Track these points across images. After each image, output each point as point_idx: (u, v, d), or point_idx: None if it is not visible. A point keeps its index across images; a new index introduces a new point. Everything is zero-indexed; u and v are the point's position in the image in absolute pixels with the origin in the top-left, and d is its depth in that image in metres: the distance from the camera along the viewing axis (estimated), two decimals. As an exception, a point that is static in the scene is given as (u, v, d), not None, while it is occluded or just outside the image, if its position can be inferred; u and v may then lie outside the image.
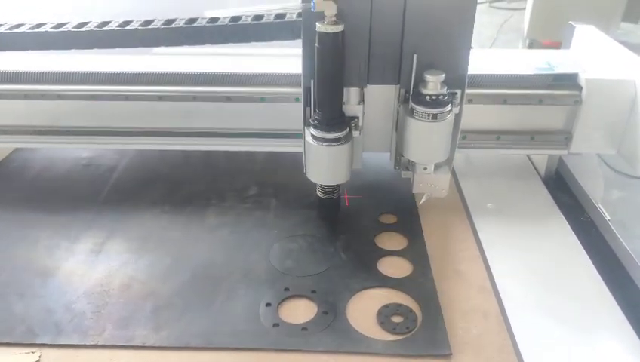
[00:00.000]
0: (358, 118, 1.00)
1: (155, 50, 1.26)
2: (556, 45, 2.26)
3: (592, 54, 1.19)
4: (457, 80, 0.96)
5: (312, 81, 0.95)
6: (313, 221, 1.11)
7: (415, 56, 0.93)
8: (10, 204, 1.17)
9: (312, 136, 0.97)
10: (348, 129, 0.98)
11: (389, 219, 1.11)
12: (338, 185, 1.08)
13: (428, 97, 0.93)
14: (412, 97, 0.95)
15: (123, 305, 0.90)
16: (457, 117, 0.98)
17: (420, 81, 0.94)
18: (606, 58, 1.16)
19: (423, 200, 1.07)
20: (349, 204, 1.15)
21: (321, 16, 0.88)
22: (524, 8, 2.93)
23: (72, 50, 1.13)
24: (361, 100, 1.00)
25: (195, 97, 1.14)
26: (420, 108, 0.93)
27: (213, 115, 1.16)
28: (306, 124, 0.99)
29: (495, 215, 1.11)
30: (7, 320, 0.87)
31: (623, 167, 1.29)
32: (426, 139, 0.97)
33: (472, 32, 0.93)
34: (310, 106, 0.98)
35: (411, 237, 1.06)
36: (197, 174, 1.27)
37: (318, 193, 1.09)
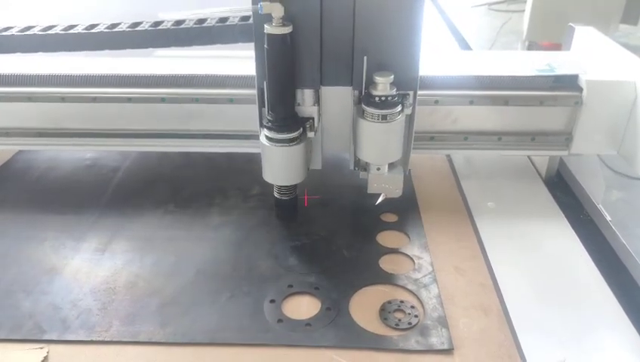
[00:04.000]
0: (313, 118, 1.01)
1: (158, 52, 1.27)
2: (555, 47, 2.28)
3: (593, 56, 1.19)
4: (409, 81, 0.97)
5: (264, 83, 0.96)
6: (316, 219, 1.12)
7: (365, 58, 0.95)
8: (15, 204, 1.19)
9: (266, 137, 0.98)
10: (302, 129, 0.99)
11: (390, 217, 1.12)
12: (294, 186, 1.09)
13: (377, 98, 0.94)
14: (363, 99, 0.96)
15: (129, 302, 0.92)
16: (410, 118, 0.99)
17: (371, 82, 0.95)
18: (606, 59, 1.16)
19: (380, 200, 1.07)
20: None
21: (269, 18, 0.89)
22: (523, 10, 2.94)
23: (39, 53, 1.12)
24: (317, 102, 1.01)
25: (197, 99, 1.14)
26: (369, 110, 0.95)
27: (216, 117, 1.16)
28: (261, 125, 1.01)
29: (496, 215, 1.12)
30: (15, 316, 0.89)
31: (623, 167, 1.30)
32: (376, 139, 0.98)
33: (420, 34, 0.94)
34: (265, 107, 0.99)
35: (412, 235, 1.07)
36: (200, 174, 1.28)
37: (275, 193, 1.10)
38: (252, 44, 0.98)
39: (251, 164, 1.30)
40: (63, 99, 1.16)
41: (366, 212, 1.14)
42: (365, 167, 1.05)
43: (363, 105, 0.96)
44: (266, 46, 0.91)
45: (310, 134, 1.00)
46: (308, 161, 1.03)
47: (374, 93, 0.94)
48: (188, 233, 1.09)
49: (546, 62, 1.15)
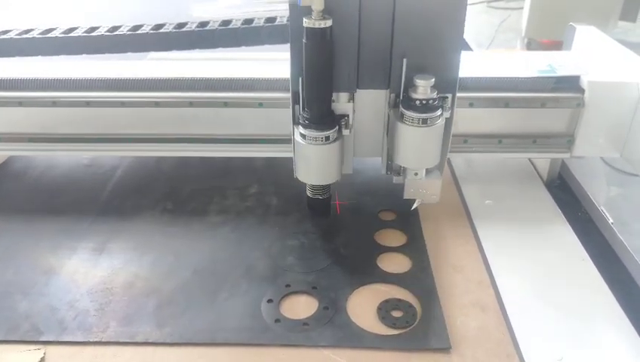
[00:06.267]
0: (347, 116, 0.98)
1: (151, 55, 1.24)
2: (555, 44, 2.27)
3: (594, 56, 1.17)
4: (448, 84, 0.94)
5: (300, 79, 0.94)
6: (313, 218, 1.12)
7: (405, 60, 0.92)
8: (13, 204, 1.19)
9: (301, 134, 0.96)
10: (337, 127, 0.97)
11: (389, 215, 1.12)
12: (329, 185, 1.07)
13: (418, 102, 0.92)
14: (402, 102, 0.94)
15: (126, 303, 0.91)
16: (448, 121, 0.97)
17: (410, 85, 0.93)
18: (608, 59, 1.14)
19: (415, 205, 1.06)
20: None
21: (308, 11, 0.86)
22: (522, 8, 2.94)
23: (61, 56, 1.11)
24: (351, 98, 0.98)
25: (191, 103, 1.11)
26: (409, 113, 0.92)
27: (211, 120, 1.13)
28: (295, 122, 0.98)
29: (494, 214, 1.12)
30: (12, 318, 0.89)
31: (618, 163, 1.29)
32: (416, 144, 0.96)
33: (462, 35, 0.91)
34: (299, 104, 0.97)
35: (410, 234, 1.07)
36: (198, 173, 1.28)
37: (308, 193, 1.08)
38: (274, 46, 0.97)
39: (249, 162, 1.31)
40: (54, 103, 1.12)
41: (364, 210, 1.13)
42: (400, 172, 1.03)
43: (402, 109, 0.93)
44: (304, 40, 0.88)
45: (345, 132, 0.98)
46: (342, 160, 1.01)
47: (414, 96, 0.92)
48: (186, 232, 1.09)
49: (547, 63, 1.12)
